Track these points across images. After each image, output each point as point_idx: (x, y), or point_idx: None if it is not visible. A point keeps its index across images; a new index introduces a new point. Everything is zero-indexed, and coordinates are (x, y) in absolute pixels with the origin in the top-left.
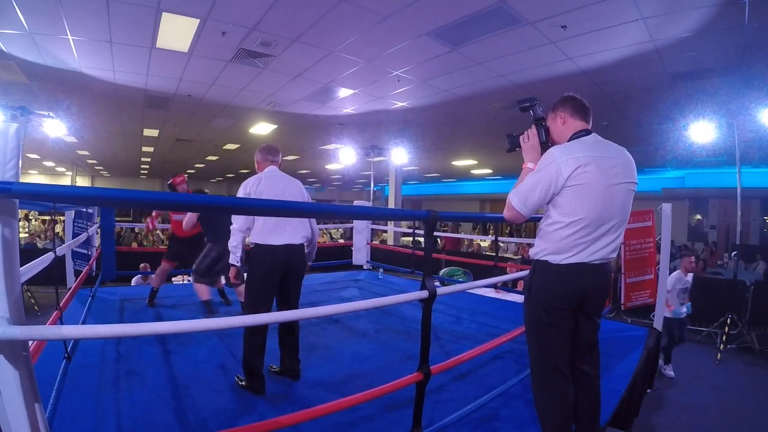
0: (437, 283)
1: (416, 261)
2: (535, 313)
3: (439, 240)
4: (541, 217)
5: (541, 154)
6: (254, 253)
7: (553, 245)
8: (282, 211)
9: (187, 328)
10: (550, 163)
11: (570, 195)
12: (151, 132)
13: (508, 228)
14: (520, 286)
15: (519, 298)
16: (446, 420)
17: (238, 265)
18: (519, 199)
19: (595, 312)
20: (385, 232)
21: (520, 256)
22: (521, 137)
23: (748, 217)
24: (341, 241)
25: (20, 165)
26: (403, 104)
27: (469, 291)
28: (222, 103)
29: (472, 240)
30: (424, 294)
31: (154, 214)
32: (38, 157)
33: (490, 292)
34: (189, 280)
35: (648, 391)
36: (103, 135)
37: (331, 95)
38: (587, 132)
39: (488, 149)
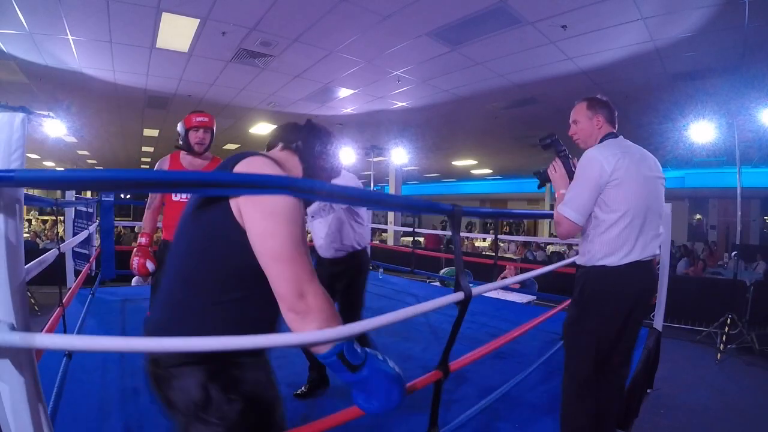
0: (437, 283)
1: (416, 260)
2: (593, 322)
3: (422, 240)
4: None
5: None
6: (365, 255)
7: (606, 246)
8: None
9: (199, 347)
10: (591, 163)
11: (614, 189)
12: (151, 132)
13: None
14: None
15: (519, 298)
16: (450, 418)
17: None
18: (570, 208)
19: (644, 314)
20: (385, 231)
21: (519, 256)
22: (549, 170)
23: (748, 217)
24: None
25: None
26: (403, 104)
27: None
28: (222, 103)
29: (470, 240)
30: (460, 296)
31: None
32: (38, 157)
33: (491, 292)
34: None
35: (648, 391)
36: (103, 135)
37: (331, 95)
38: (615, 135)
39: (488, 149)
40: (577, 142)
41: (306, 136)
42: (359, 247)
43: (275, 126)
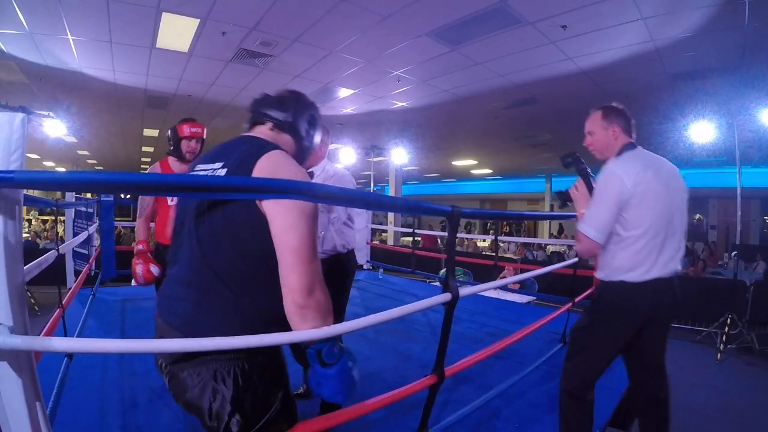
0: (437, 283)
1: (416, 261)
2: (603, 334)
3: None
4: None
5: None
6: (351, 259)
7: (627, 262)
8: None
9: (199, 347)
10: (611, 178)
11: (636, 205)
12: (151, 132)
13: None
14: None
15: (518, 298)
16: (448, 419)
17: None
18: (589, 226)
19: (666, 328)
20: (385, 231)
21: (519, 256)
22: (570, 190)
23: (748, 217)
24: None
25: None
26: (403, 104)
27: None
28: (222, 103)
29: (471, 240)
30: (447, 297)
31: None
32: (38, 157)
33: (490, 292)
34: None
35: None
36: (103, 135)
37: (331, 95)
38: (633, 145)
39: (488, 149)
40: (593, 154)
41: (294, 111)
42: (343, 250)
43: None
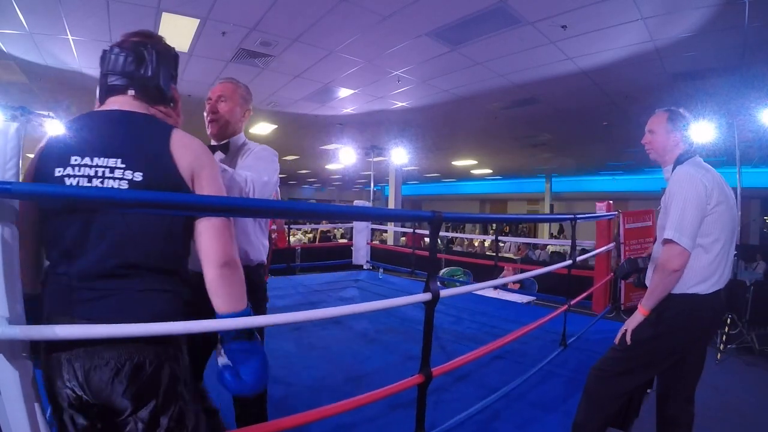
0: (438, 284)
1: (416, 261)
2: (667, 348)
3: (403, 239)
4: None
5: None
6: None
7: (699, 273)
8: (271, 212)
9: (191, 329)
10: (691, 180)
11: (710, 211)
12: None
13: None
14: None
15: (519, 298)
16: (449, 423)
17: None
18: (677, 231)
19: (710, 339)
20: (385, 232)
21: (519, 257)
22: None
23: (748, 217)
24: (341, 240)
25: (20, 165)
26: (403, 104)
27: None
28: None
29: (471, 240)
30: (427, 296)
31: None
32: None
33: (490, 292)
34: None
35: (648, 391)
36: None
37: (331, 95)
38: (693, 154)
39: (488, 149)
40: (648, 152)
41: (157, 68)
42: (251, 263)
43: (275, 126)
